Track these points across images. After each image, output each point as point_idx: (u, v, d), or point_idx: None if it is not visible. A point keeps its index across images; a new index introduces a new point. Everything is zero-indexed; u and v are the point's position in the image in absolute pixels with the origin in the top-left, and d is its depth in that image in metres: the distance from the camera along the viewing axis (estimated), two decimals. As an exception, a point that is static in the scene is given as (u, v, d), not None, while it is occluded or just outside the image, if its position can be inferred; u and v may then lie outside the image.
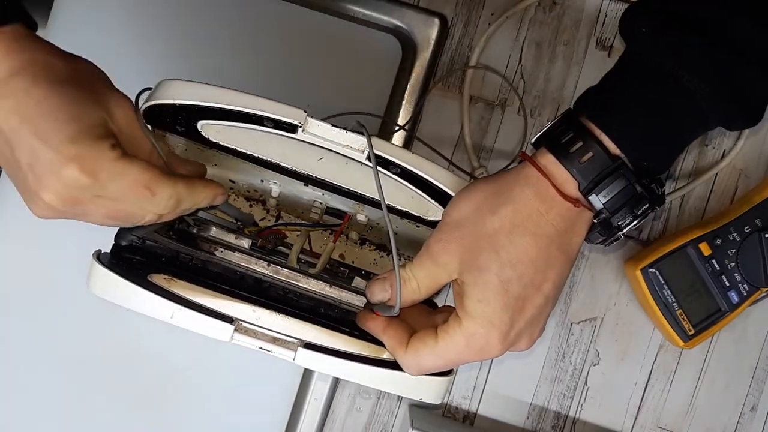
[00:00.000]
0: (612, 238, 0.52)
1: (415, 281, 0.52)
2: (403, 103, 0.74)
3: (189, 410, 0.77)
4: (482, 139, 0.74)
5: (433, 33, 0.74)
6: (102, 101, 0.49)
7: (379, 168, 0.54)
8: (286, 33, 0.77)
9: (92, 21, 0.76)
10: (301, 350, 0.52)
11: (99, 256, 0.53)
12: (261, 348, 0.52)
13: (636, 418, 0.75)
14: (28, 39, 0.47)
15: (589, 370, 0.74)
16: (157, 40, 0.77)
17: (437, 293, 0.55)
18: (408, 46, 0.76)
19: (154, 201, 0.50)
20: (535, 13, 0.74)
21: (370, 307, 0.55)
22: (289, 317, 0.53)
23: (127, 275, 0.51)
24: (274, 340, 0.52)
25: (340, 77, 0.78)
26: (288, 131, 0.53)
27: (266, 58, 0.77)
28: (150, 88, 0.54)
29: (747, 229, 0.70)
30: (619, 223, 0.50)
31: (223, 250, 0.58)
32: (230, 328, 0.51)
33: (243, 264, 0.58)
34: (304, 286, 0.58)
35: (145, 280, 0.52)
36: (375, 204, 0.60)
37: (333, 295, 0.58)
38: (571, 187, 0.49)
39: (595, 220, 0.51)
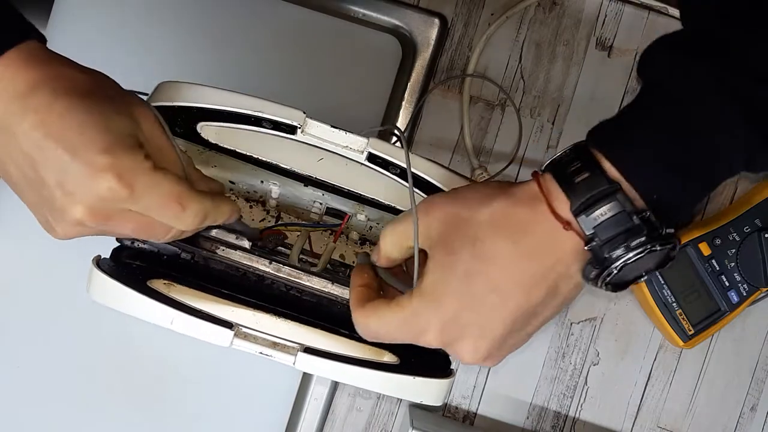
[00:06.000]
0: (605, 274, 0.48)
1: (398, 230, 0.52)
2: (403, 103, 0.74)
3: (189, 411, 0.78)
4: (482, 140, 0.74)
5: (433, 33, 0.74)
6: (127, 111, 0.48)
7: (378, 169, 0.54)
8: (286, 33, 0.77)
9: (92, 21, 0.76)
10: (301, 355, 0.51)
11: (99, 262, 0.53)
12: (261, 353, 0.52)
13: (636, 418, 0.75)
14: (44, 53, 0.46)
15: (589, 370, 0.75)
16: (156, 40, 0.76)
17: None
18: (408, 47, 0.75)
19: (182, 216, 0.49)
20: (534, 13, 0.74)
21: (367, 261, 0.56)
22: (289, 321, 0.53)
23: (126, 281, 0.51)
24: (274, 345, 0.52)
25: (340, 77, 0.78)
26: (287, 132, 0.53)
27: (266, 59, 0.77)
28: (146, 94, 0.53)
29: (747, 229, 0.70)
30: (610, 254, 0.47)
31: (224, 248, 0.58)
32: (230, 333, 0.51)
33: (244, 262, 0.58)
34: (307, 283, 0.58)
35: (144, 285, 0.52)
36: (374, 204, 0.60)
37: (335, 293, 0.58)
38: (564, 207, 0.47)
39: (585, 247, 0.48)
